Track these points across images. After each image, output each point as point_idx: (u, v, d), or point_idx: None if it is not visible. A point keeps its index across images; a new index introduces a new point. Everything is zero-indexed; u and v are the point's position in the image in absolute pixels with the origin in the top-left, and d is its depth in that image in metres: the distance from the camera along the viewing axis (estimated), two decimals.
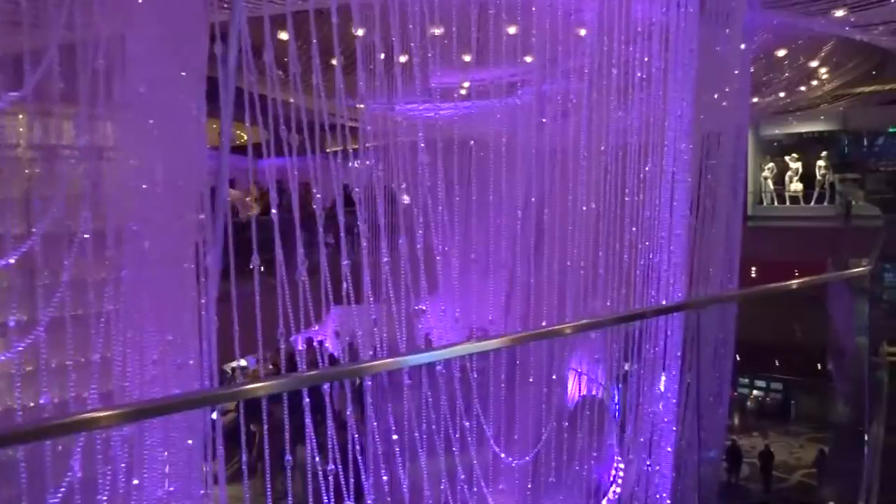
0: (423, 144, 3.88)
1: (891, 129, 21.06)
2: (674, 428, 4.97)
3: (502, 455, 4.14)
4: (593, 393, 7.86)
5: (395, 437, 3.65)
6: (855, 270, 3.79)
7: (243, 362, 14.91)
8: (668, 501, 5.27)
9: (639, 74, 4.75)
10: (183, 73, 2.95)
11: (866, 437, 3.54)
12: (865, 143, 22.02)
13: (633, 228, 4.48)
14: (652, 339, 4.57)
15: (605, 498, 7.97)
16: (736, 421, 17.97)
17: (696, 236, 7.37)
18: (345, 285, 3.42)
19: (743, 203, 21.89)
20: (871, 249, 5.04)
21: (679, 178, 5.05)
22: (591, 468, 5.85)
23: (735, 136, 9.43)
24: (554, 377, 4.28)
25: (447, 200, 3.78)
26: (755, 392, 20.08)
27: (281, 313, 3.24)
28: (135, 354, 2.71)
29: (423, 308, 3.83)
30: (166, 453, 2.68)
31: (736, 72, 9.29)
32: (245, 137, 4.37)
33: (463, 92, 8.78)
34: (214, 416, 11.90)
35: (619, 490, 6.96)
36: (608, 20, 4.84)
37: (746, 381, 19.80)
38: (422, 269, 3.96)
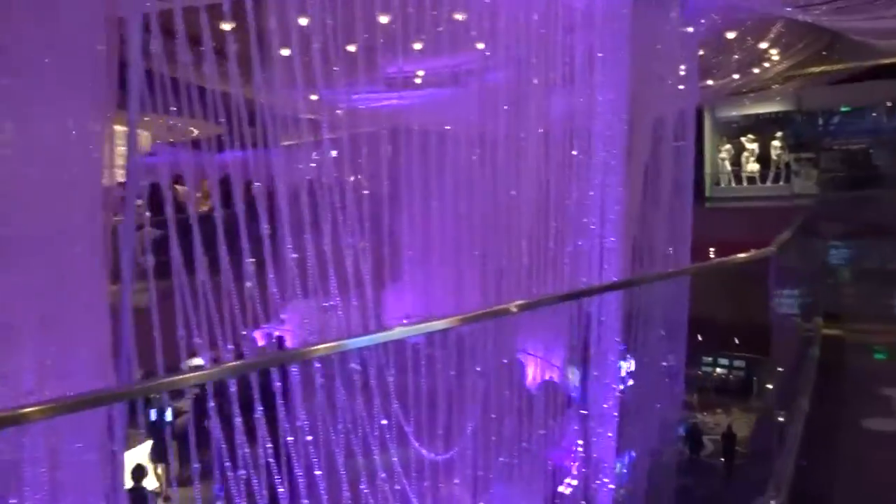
0: (330, 136, 3.83)
1: (843, 109, 21.40)
2: (615, 413, 4.98)
3: (424, 451, 4.11)
4: (548, 378, 7.88)
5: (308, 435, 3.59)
6: (759, 252, 3.83)
7: (199, 361, 14.68)
8: (611, 485, 5.29)
9: (565, 60, 4.71)
10: (66, 67, 2.82)
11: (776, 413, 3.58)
12: (820, 122, 22.37)
13: (560, 215, 4.47)
14: (583, 326, 4.56)
15: (565, 481, 8.00)
16: (699, 399, 18.25)
17: (640, 219, 7.38)
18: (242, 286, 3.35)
19: (694, 185, 22.17)
20: (786, 230, 5.11)
21: (614, 163, 5.03)
22: (543, 453, 5.83)
23: (684, 118, 9.47)
24: (480, 368, 4.24)
25: (356, 195, 3.74)
26: (718, 370, 20.34)
27: (176, 317, 3.15)
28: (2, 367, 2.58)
29: (332, 304, 3.78)
30: (50, 467, 2.56)
31: (683, 55, 9.31)
32: (196, 132, 4.26)
33: (415, 81, 8.67)
34: (168, 416, 11.64)
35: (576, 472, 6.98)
36: (536, 6, 4.79)
37: (710, 359, 20.06)
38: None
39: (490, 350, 4.87)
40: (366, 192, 3.96)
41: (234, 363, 3.40)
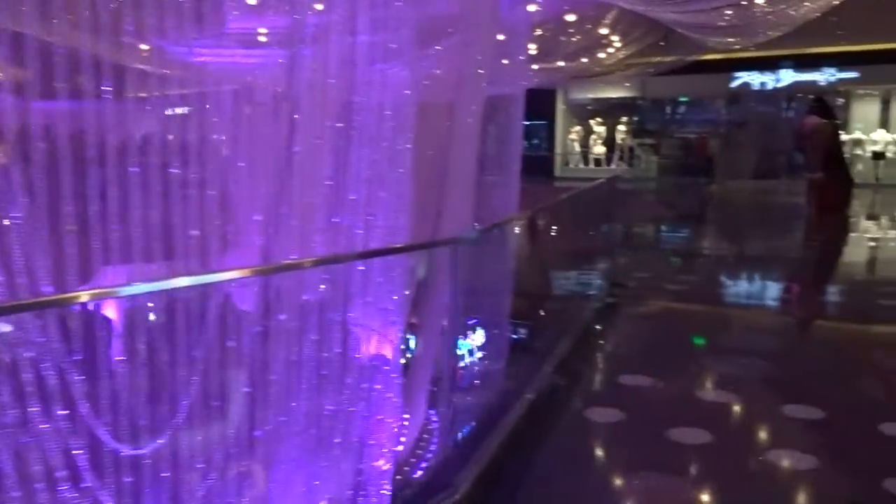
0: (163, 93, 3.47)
1: (681, 99, 22.60)
2: (389, 393, 4.82)
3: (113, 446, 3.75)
4: (379, 351, 7.69)
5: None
6: (442, 241, 3.78)
7: (6, 327, 13.48)
8: (386, 465, 5.15)
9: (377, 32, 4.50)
10: None
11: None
12: (663, 110, 23.55)
13: (319, 190, 4.22)
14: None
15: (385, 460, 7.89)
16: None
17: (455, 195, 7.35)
18: None
19: (544, 164, 22.65)
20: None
21: (399, 144, 4.82)
22: (358, 431, 5.58)
23: (514, 98, 9.49)
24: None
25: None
26: None
27: None
28: None
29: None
30: None
31: (515, 34, 9.30)
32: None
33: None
34: None
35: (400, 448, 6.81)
36: None
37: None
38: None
39: (313, 318, 4.60)
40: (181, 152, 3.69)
41: None
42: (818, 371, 4.43)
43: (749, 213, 14.98)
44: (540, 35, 13.03)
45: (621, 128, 22.57)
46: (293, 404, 4.55)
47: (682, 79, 20.09)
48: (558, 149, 23.04)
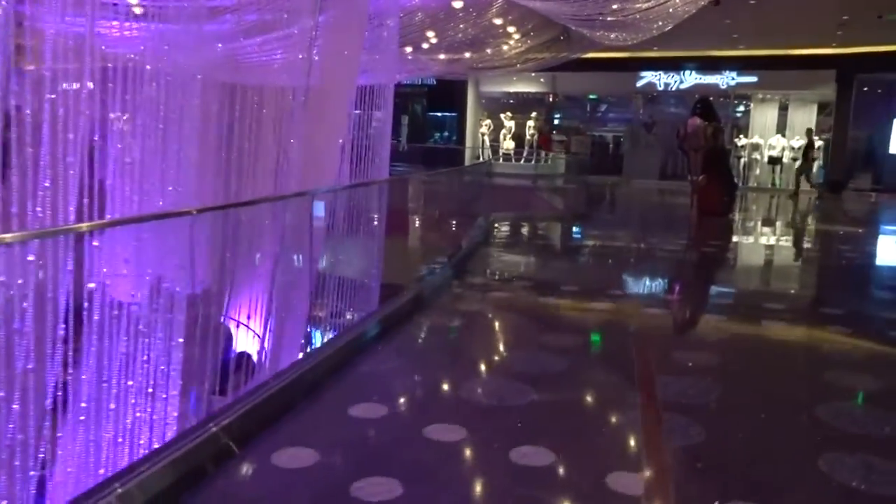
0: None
1: (590, 97, 22.43)
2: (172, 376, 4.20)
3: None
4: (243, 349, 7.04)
5: None
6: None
7: None
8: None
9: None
10: None
11: None
12: (572, 107, 23.36)
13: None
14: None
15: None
16: None
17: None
18: None
19: (454, 157, 22.14)
20: None
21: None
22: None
23: (382, 88, 8.92)
24: None
25: None
26: None
27: None
28: None
29: None
30: None
31: (382, 21, 8.73)
32: None
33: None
34: None
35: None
36: None
37: None
38: None
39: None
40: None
41: None
42: (581, 403, 3.91)
43: (637, 212, 14.76)
44: (434, 23, 12.52)
45: (530, 123, 22.24)
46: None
47: (590, 76, 19.89)
48: (469, 142, 22.59)
